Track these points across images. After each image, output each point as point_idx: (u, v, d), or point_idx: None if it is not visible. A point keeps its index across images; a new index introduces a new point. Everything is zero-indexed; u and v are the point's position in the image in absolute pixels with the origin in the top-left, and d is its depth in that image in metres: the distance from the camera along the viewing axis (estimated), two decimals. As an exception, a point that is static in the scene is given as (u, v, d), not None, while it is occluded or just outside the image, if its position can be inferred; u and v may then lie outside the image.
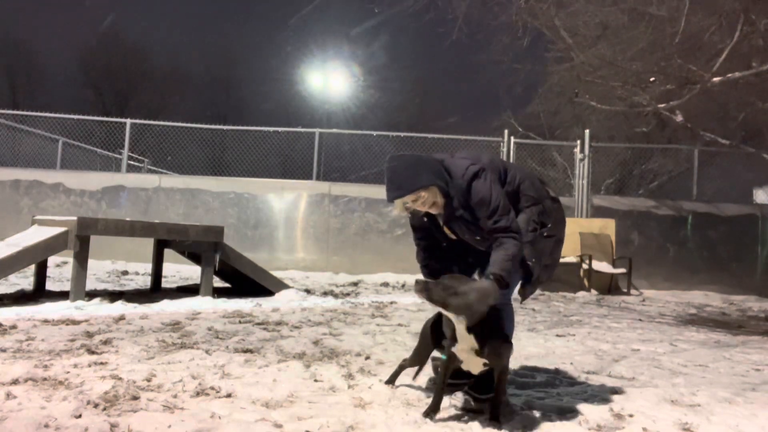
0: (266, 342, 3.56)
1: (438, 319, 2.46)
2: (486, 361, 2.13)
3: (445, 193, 2.34)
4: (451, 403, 2.39)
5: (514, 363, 3.25)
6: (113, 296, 5.12)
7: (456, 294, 2.06)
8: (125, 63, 29.07)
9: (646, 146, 13.22)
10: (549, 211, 2.47)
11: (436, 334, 2.47)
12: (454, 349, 2.16)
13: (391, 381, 2.62)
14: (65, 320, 3.98)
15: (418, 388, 2.59)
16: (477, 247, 2.45)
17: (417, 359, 2.58)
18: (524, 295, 2.53)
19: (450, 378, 2.52)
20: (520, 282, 2.47)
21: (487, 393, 2.29)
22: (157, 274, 6.24)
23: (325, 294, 6.72)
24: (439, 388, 2.21)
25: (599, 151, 11.40)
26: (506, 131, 10.97)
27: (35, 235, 5.00)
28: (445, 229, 2.49)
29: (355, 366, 2.97)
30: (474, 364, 2.16)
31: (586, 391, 2.70)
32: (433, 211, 2.40)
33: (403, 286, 8.52)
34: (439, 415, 2.21)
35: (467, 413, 2.26)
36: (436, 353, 2.57)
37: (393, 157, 2.39)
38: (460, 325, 2.09)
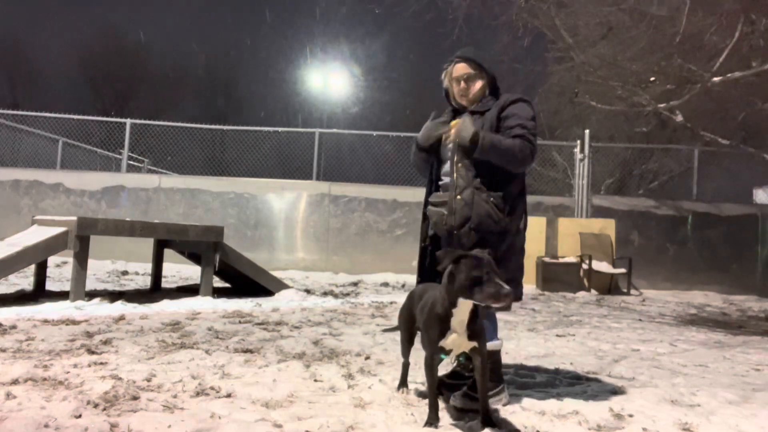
0: (266, 342, 3.56)
1: (408, 304, 2.45)
2: (475, 343, 2.11)
3: (486, 89, 2.64)
4: (451, 403, 2.38)
5: (514, 363, 3.25)
6: (113, 296, 5.13)
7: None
8: (125, 63, 29.07)
9: (646, 146, 13.21)
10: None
11: (412, 317, 2.41)
12: (444, 342, 2.11)
13: (403, 384, 2.54)
14: (65, 320, 3.98)
15: (419, 388, 2.59)
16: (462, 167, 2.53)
17: (406, 348, 2.53)
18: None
19: (449, 378, 2.53)
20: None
21: (493, 390, 2.35)
22: (157, 274, 6.24)
23: (325, 294, 6.72)
24: (432, 393, 2.14)
25: (599, 151, 11.41)
26: (506, 131, 10.94)
27: (35, 235, 5.01)
28: (445, 137, 2.60)
29: (355, 366, 2.97)
30: (465, 346, 2.13)
31: (586, 391, 2.70)
32: (469, 95, 2.63)
33: (403, 286, 8.52)
34: (440, 414, 2.20)
35: (466, 414, 2.26)
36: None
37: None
38: (463, 311, 2.04)
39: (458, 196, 2.45)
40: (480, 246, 2.23)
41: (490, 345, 2.37)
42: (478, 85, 2.63)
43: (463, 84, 2.64)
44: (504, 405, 2.38)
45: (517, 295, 2.47)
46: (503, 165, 2.44)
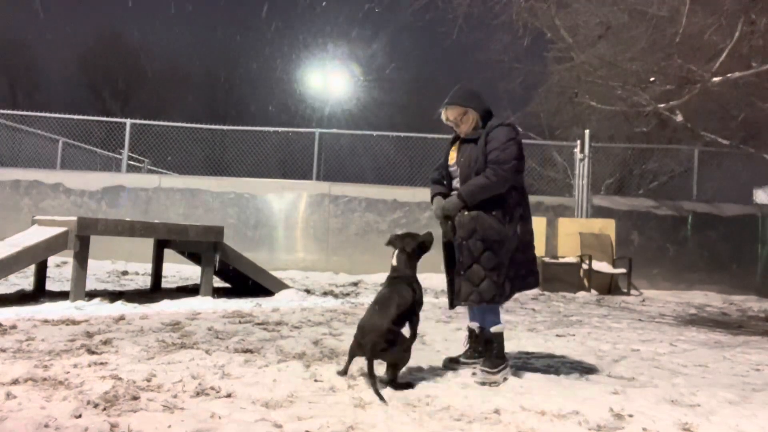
0: (266, 342, 3.56)
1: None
2: None
3: (478, 122, 3.06)
4: (451, 403, 2.39)
5: (514, 363, 3.25)
6: (113, 296, 5.13)
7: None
8: (125, 63, 29.06)
9: (646, 146, 13.21)
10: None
11: None
12: None
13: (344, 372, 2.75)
14: (65, 320, 3.98)
15: (419, 387, 2.60)
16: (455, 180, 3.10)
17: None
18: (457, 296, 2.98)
19: (466, 358, 3.10)
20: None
21: (500, 367, 2.84)
22: (157, 274, 6.24)
23: (325, 294, 6.72)
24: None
25: (599, 151, 11.41)
26: (506, 131, 10.92)
27: (35, 235, 5.00)
28: (451, 153, 3.15)
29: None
30: None
31: (586, 391, 2.69)
32: (463, 129, 3.08)
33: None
34: (440, 414, 2.21)
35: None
36: (473, 324, 3.13)
37: (464, 82, 3.17)
38: None
39: (465, 212, 2.92)
40: (486, 252, 2.84)
41: (495, 328, 2.97)
42: (468, 122, 3.07)
43: (454, 125, 3.13)
44: (504, 380, 2.79)
45: (535, 282, 3.10)
46: (492, 194, 2.90)
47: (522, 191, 3.05)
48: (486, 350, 2.97)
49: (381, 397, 2.35)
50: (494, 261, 2.86)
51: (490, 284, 2.84)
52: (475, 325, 3.15)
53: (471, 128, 3.06)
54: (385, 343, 2.58)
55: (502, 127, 2.97)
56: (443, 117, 3.12)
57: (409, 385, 2.60)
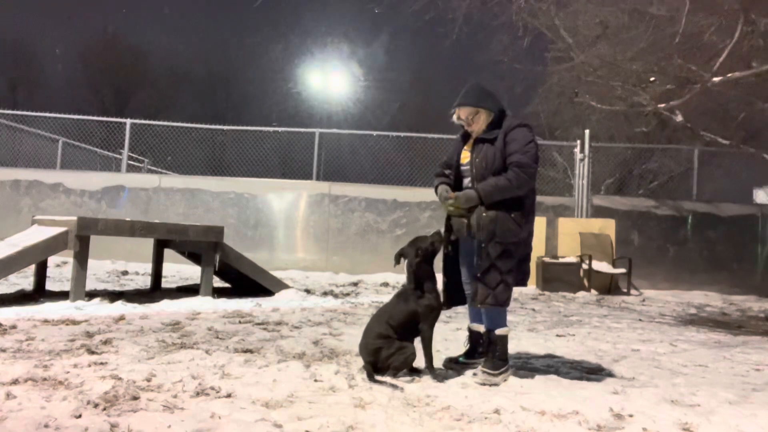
0: (266, 342, 3.56)
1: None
2: None
3: (491, 121, 2.99)
4: (451, 403, 2.39)
5: (514, 363, 3.25)
6: (113, 296, 5.13)
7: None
8: (125, 63, 29.06)
9: (646, 146, 13.22)
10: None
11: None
12: None
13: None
14: (65, 320, 3.98)
15: (419, 387, 2.60)
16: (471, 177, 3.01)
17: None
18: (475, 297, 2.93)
19: (466, 358, 3.15)
20: None
21: (501, 369, 2.85)
22: (157, 274, 6.24)
23: (325, 294, 6.72)
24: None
25: (599, 151, 11.40)
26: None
27: (35, 235, 5.00)
28: (464, 152, 3.07)
29: (355, 366, 2.97)
30: None
31: (586, 391, 2.69)
32: (474, 128, 3.01)
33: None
34: (440, 414, 2.21)
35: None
36: (474, 325, 3.14)
37: (475, 81, 3.10)
38: None
39: (484, 213, 2.85)
40: (504, 255, 2.82)
41: (501, 330, 2.93)
42: (479, 122, 3.01)
43: (466, 125, 3.07)
44: (504, 381, 2.80)
45: (525, 281, 3.08)
46: (509, 196, 2.85)
47: (535, 195, 3.06)
48: (489, 351, 2.94)
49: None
50: (510, 264, 2.86)
51: (504, 287, 2.85)
52: (478, 326, 3.13)
53: (483, 128, 3.00)
54: (375, 356, 2.79)
55: (521, 128, 2.92)
56: (454, 117, 3.08)
57: (415, 371, 2.87)
